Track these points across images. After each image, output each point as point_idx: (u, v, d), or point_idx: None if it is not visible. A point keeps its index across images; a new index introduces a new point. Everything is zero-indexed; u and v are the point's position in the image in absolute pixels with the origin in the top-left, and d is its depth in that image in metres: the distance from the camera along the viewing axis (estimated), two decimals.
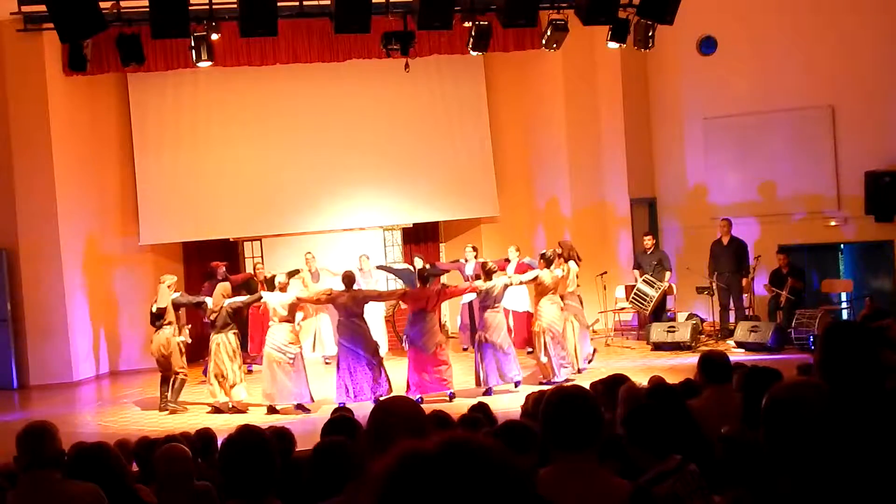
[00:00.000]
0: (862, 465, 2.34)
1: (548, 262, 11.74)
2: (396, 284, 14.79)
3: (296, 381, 10.76)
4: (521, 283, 12.06)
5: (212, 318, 11.07)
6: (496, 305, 11.25)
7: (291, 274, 13.57)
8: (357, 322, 10.84)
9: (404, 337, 11.34)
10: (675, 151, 15.52)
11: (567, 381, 10.88)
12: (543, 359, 11.42)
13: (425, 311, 10.97)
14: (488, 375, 11.09)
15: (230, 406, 11.03)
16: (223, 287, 11.38)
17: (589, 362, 12.24)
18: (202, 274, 13.41)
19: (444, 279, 13.37)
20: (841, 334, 3.00)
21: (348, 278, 11.04)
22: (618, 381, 5.89)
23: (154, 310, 11.36)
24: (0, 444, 7.01)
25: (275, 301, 10.96)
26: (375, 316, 14.05)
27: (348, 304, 10.84)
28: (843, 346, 2.88)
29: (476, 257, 13.33)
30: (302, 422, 10.08)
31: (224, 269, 13.17)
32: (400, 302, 12.51)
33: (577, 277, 12.46)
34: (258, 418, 10.46)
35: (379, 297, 11.86)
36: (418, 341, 10.90)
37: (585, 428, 3.01)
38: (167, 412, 11.33)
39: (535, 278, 11.65)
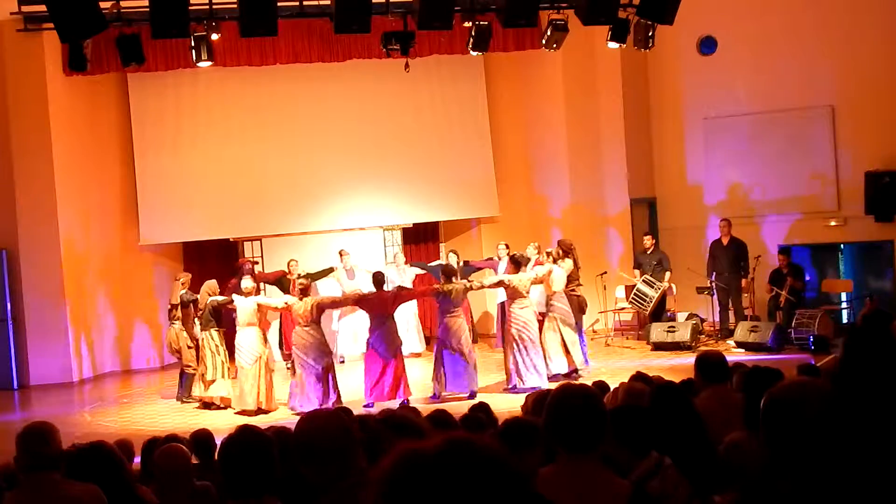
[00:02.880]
0: (863, 467, 2.33)
1: (517, 264, 11.44)
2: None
3: (252, 387, 10.84)
4: (482, 286, 11.85)
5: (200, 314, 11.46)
6: (455, 310, 10.99)
7: (326, 272, 13.72)
8: (310, 332, 10.72)
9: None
10: (675, 151, 15.53)
11: (534, 388, 10.43)
12: (511, 365, 11.13)
13: (384, 317, 10.79)
14: (447, 382, 10.85)
15: (212, 402, 11.27)
16: (209, 285, 11.59)
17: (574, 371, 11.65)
18: (232, 270, 13.54)
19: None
20: (864, 340, 2.97)
21: (302, 291, 10.88)
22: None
23: (168, 306, 11.90)
24: (0, 444, 7.02)
25: (241, 306, 11.07)
26: (408, 313, 14.04)
27: (302, 313, 10.76)
28: (867, 352, 2.86)
29: (508, 254, 12.85)
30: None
31: (251, 265, 13.29)
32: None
33: (577, 278, 12.21)
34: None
35: (333, 303, 11.54)
36: (378, 347, 10.72)
37: (590, 429, 3.01)
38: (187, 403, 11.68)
39: (501, 282, 11.46)
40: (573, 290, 12.23)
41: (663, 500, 3.48)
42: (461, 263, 13.75)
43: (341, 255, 14.22)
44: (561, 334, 11.61)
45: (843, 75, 13.93)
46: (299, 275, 12.80)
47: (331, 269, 13.92)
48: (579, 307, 12.32)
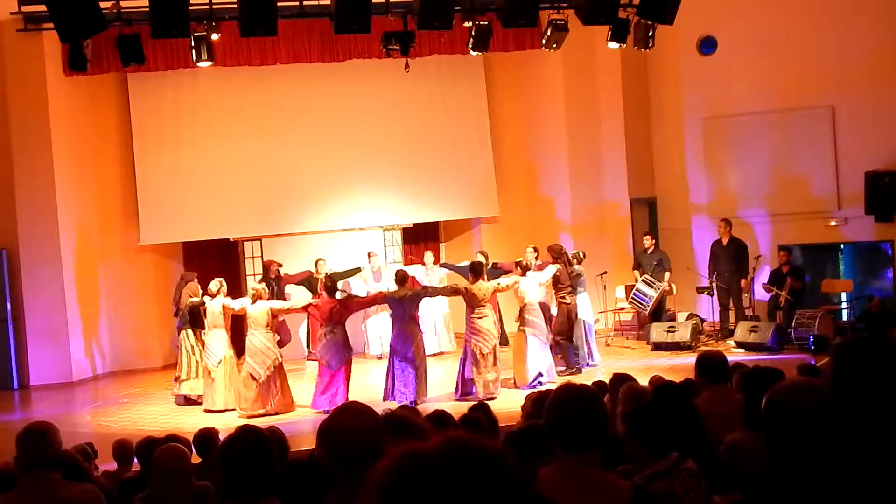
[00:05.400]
0: (862, 467, 2.33)
1: (476, 273, 11.14)
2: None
3: (218, 387, 11.09)
4: (437, 293, 11.75)
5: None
6: (406, 317, 10.80)
7: (353, 272, 13.81)
8: (257, 336, 10.79)
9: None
10: (675, 151, 15.53)
11: (487, 398, 10.22)
12: (467, 374, 10.87)
13: (331, 324, 10.66)
14: (394, 390, 10.63)
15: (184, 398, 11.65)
16: (191, 287, 11.86)
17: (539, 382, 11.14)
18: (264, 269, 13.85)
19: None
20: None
21: (254, 296, 10.97)
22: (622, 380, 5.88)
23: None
24: (0, 444, 7.02)
25: (209, 308, 11.26)
26: (436, 313, 14.07)
27: (257, 318, 10.85)
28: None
29: (537, 258, 12.38)
30: (298, 423, 10.14)
31: (276, 266, 13.50)
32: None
33: (568, 284, 11.89)
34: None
35: (287, 310, 11.35)
36: (325, 356, 10.64)
37: (590, 429, 3.01)
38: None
39: (457, 290, 11.25)
40: (563, 298, 11.98)
41: (666, 501, 3.47)
42: (489, 265, 13.43)
43: (369, 257, 14.32)
44: (527, 347, 11.17)
45: (843, 75, 13.93)
46: (326, 274, 12.89)
47: (357, 269, 14.01)
48: (567, 315, 11.97)
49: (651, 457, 3.70)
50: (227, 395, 11.06)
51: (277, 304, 11.28)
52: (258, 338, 10.79)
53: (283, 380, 10.90)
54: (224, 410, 10.97)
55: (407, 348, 10.67)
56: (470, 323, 10.96)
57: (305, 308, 11.20)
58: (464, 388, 10.96)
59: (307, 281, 13.55)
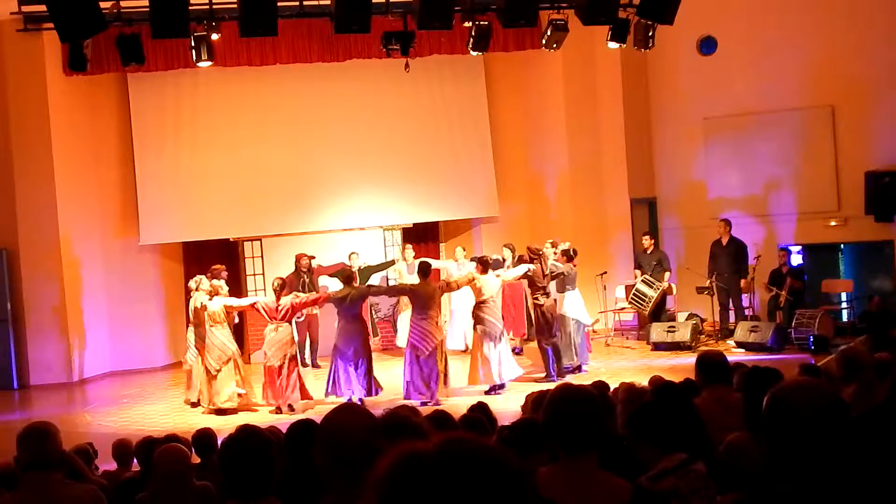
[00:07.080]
0: (863, 467, 2.34)
1: (424, 273, 11.11)
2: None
3: (195, 382, 11.41)
4: (379, 293, 11.95)
5: None
6: (350, 315, 10.87)
7: (387, 265, 13.95)
8: (214, 332, 10.96)
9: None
10: (675, 151, 15.52)
11: (424, 403, 10.24)
12: (406, 377, 10.80)
13: (276, 322, 10.88)
14: (340, 386, 10.71)
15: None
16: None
17: (501, 388, 11.07)
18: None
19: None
20: None
21: (211, 292, 11.11)
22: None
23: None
24: (0, 444, 7.02)
25: (191, 306, 11.47)
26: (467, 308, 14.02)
27: (211, 314, 11.05)
28: None
29: (555, 252, 12.23)
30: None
31: (308, 259, 13.57)
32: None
33: (542, 285, 11.60)
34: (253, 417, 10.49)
35: (236, 307, 11.40)
36: (268, 353, 10.87)
37: (587, 430, 3.01)
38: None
39: (402, 289, 11.30)
40: (536, 299, 11.70)
41: (669, 499, 3.47)
42: (516, 258, 13.02)
43: (403, 250, 14.40)
44: (482, 347, 11.03)
45: (843, 75, 13.93)
46: (360, 268, 12.83)
47: (391, 263, 14.03)
48: (543, 317, 11.63)
49: (658, 455, 3.70)
50: (193, 390, 11.36)
51: (230, 301, 11.38)
52: (216, 334, 10.97)
53: (242, 375, 11.06)
54: (196, 404, 11.25)
55: (348, 347, 10.78)
56: (413, 324, 10.97)
57: (252, 305, 11.32)
58: (407, 390, 10.83)
59: (341, 273, 13.54)
